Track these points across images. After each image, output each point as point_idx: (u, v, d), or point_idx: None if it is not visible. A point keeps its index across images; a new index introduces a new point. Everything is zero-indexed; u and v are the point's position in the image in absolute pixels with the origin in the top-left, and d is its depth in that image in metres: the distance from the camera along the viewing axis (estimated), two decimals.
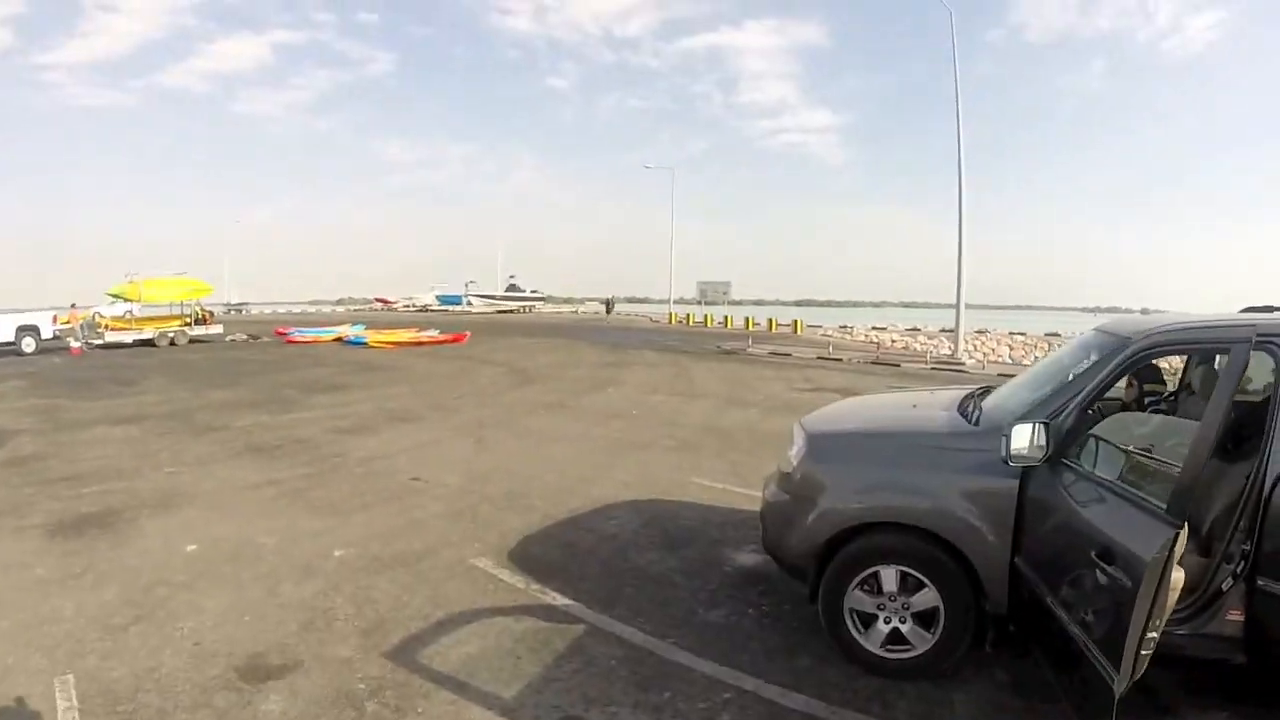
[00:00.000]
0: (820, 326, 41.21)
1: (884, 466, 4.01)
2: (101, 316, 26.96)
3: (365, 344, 26.90)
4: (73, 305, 27.85)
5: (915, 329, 38.66)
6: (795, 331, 38.56)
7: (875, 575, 3.88)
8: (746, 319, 44.39)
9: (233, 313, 66.66)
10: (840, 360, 22.31)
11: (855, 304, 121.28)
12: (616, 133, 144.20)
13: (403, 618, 4.62)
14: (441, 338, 28.53)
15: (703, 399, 14.20)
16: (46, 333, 25.59)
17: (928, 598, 3.79)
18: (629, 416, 12.34)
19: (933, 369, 20.98)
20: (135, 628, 4.47)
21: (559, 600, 4.91)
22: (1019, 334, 35.36)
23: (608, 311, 71.87)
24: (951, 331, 28.35)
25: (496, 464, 8.97)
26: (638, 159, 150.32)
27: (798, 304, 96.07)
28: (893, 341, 32.64)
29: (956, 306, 25.55)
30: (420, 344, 27.49)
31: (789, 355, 23.75)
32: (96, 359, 23.38)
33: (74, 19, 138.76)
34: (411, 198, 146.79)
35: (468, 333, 29.71)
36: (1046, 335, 35.02)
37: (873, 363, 22.11)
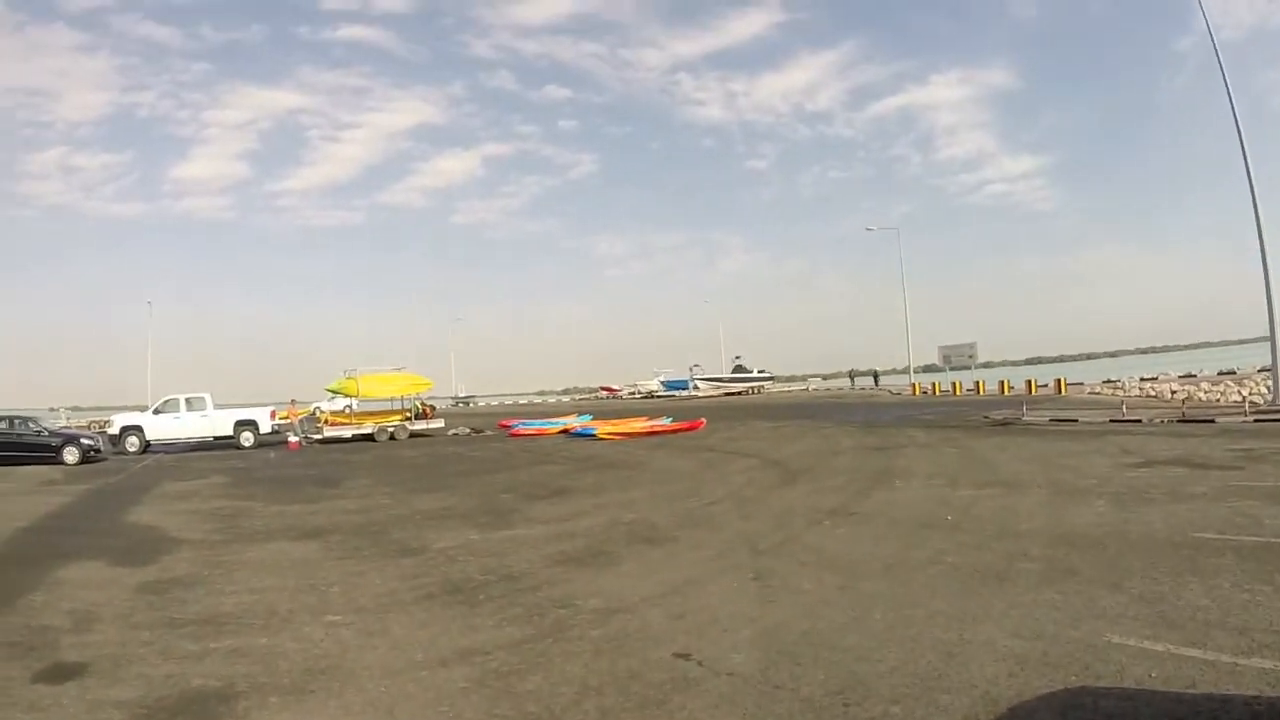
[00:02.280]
0: (1082, 384, 38.13)
1: None
2: (321, 412, 27.46)
3: (594, 435, 25.06)
4: (292, 401, 29.09)
5: (1190, 375, 36.47)
6: (1060, 392, 34.85)
7: None
8: (1002, 383, 40.27)
9: (459, 405, 69.92)
10: (1139, 421, 19.20)
11: (1090, 356, 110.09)
12: (820, 205, 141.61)
13: None
14: (676, 426, 26.19)
15: (1020, 490, 11.04)
16: (265, 427, 26.76)
17: None
18: (944, 525, 9.00)
19: (1257, 420, 18.17)
20: None
21: None
22: None
23: (852, 383, 69.97)
24: (1268, 371, 25.54)
25: (795, 622, 5.91)
26: (843, 230, 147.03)
27: (1028, 362, 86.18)
28: (1172, 393, 29.11)
29: (1272, 340, 21.83)
30: (654, 433, 25.42)
31: (1075, 421, 20.99)
32: (311, 454, 23.46)
33: (301, 150, 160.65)
34: (625, 287, 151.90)
35: (703, 419, 26.97)
36: None
37: (1180, 420, 19.10)
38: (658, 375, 75.69)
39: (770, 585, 6.88)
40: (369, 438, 27.51)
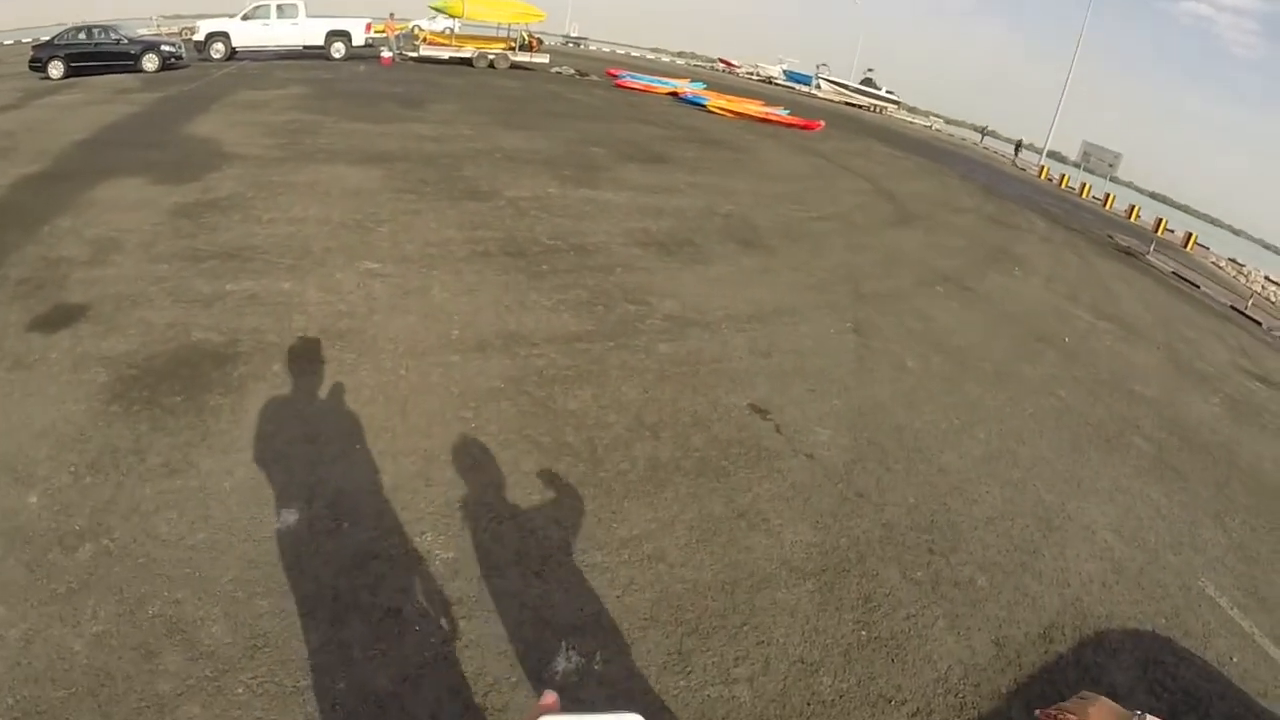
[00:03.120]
0: (1208, 249, 32.88)
1: None
2: (420, 30, 25.28)
3: (704, 106, 22.70)
4: (391, 14, 26.64)
5: None
6: (1186, 247, 30.83)
7: None
8: (1133, 207, 35.94)
9: (570, 45, 65.69)
10: (1260, 324, 15.88)
11: (1215, 222, 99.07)
12: None
13: None
14: (792, 120, 23.59)
15: (1140, 339, 9.11)
16: (359, 40, 24.67)
17: None
18: (1060, 347, 7.49)
19: None
20: None
21: None
22: None
23: (982, 139, 63.00)
24: None
25: (893, 407, 4.98)
26: None
27: (1153, 196, 77.12)
28: None
29: None
30: (768, 120, 22.94)
31: (1197, 287, 18.00)
32: (403, 71, 22.06)
33: None
34: None
35: (822, 121, 24.23)
36: None
37: None
38: (782, 62, 68.86)
39: (871, 346, 5.74)
40: (467, 62, 25.67)
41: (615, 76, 27.48)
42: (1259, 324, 16.46)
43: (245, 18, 24.36)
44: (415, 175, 8.39)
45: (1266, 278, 31.35)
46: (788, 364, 5.00)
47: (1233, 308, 17.40)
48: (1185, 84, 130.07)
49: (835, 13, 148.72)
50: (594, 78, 27.24)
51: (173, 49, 21.14)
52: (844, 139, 23.98)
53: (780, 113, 24.38)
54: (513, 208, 7.51)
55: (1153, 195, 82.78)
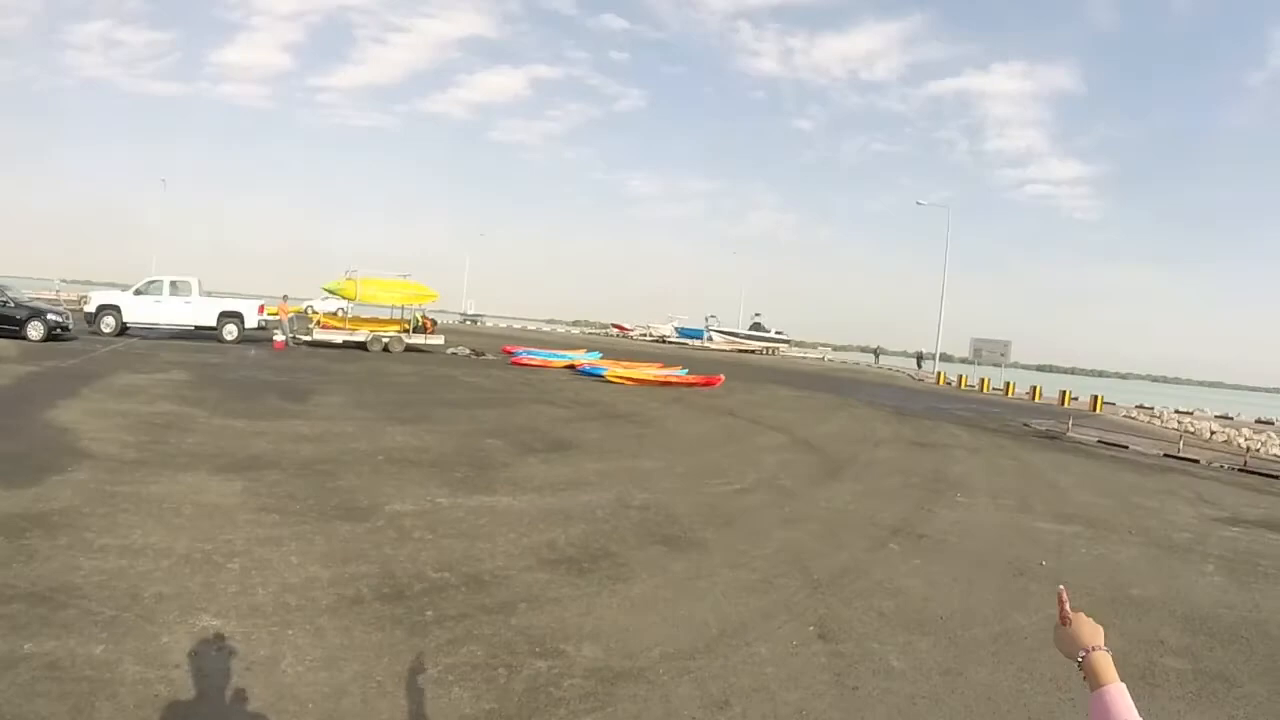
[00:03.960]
0: (1115, 405, 36.45)
1: None
2: (314, 312, 25.34)
3: (602, 376, 22.80)
4: (284, 297, 26.78)
5: (1227, 416, 34.49)
6: (1095, 409, 33.52)
7: None
8: (1035, 388, 39.03)
9: (467, 323, 67.81)
10: (1197, 462, 17.22)
11: (1100, 373, 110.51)
12: (860, 176, 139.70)
13: None
14: (692, 379, 24.08)
15: (1109, 533, 9.14)
16: (252, 321, 24.90)
17: None
18: (1041, 574, 7.07)
19: None
20: None
21: None
22: None
23: (876, 360, 69.61)
24: None
25: None
26: (880, 204, 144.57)
27: (1039, 368, 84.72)
28: (1211, 433, 26.75)
29: None
30: (668, 383, 23.27)
31: (1125, 448, 19.27)
32: (294, 357, 21.67)
33: (347, 48, 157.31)
34: (652, 229, 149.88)
35: (721, 376, 24.78)
36: None
37: (1242, 470, 16.69)
38: (672, 320, 72.89)
39: (844, 653, 4.80)
40: (362, 346, 25.51)
41: (512, 354, 27.76)
42: (1196, 461, 17.55)
43: (138, 292, 24.06)
44: (284, 488, 7.37)
45: (1176, 412, 33.79)
46: (753, 712, 3.96)
47: (1166, 455, 18.48)
48: (1043, 256, 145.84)
49: (717, 266, 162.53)
50: (490, 356, 27.44)
51: (60, 318, 20.55)
52: (746, 389, 24.60)
53: (679, 373, 24.90)
54: (394, 528, 6.48)
55: (1039, 367, 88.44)
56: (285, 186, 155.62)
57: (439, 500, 7.50)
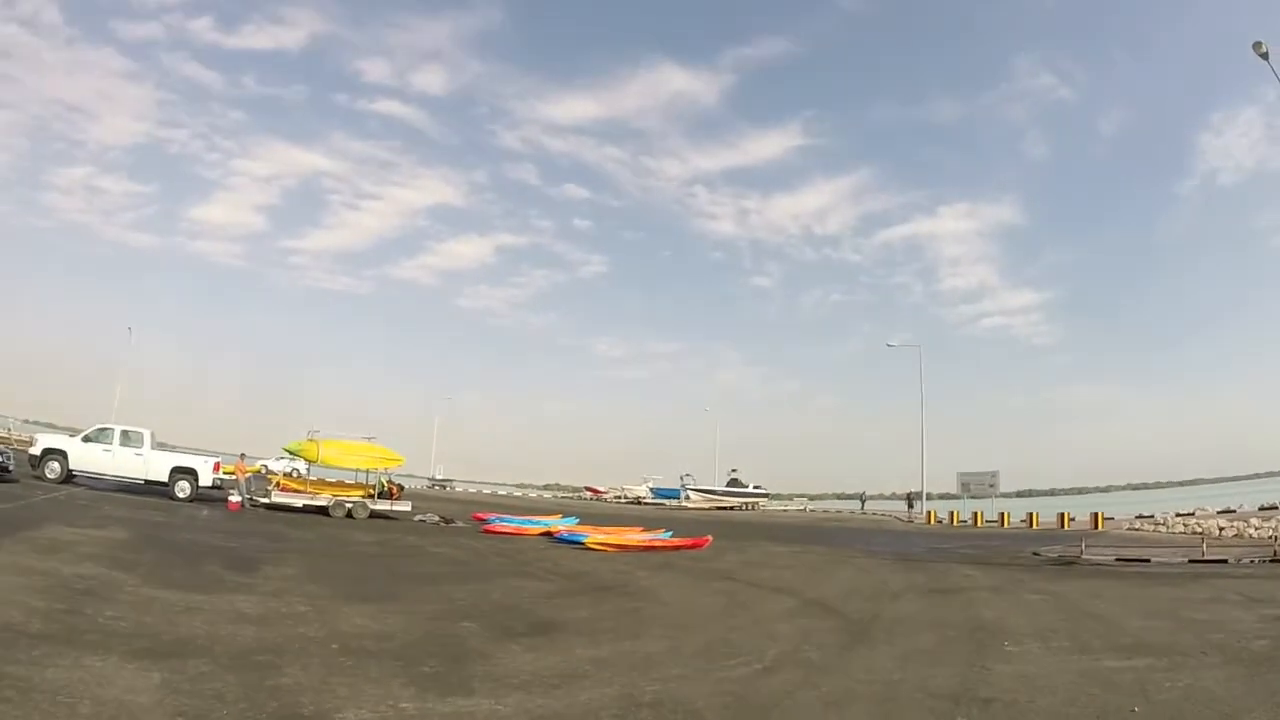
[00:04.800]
0: (1114, 519, 36.44)
1: None
2: (272, 473, 23.95)
3: (582, 544, 21.26)
4: (241, 455, 25.50)
5: (1229, 510, 34.83)
6: (1097, 527, 33.26)
7: None
8: (1031, 515, 38.92)
9: (436, 488, 65.65)
10: (1225, 562, 17.34)
11: (1081, 490, 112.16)
12: (820, 327, 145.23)
13: None
14: (678, 541, 22.67)
15: (1184, 659, 8.52)
16: (206, 479, 23.46)
17: None
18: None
19: None
20: None
21: None
22: None
23: (862, 507, 68.78)
24: None
25: None
26: (842, 352, 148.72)
27: (1019, 494, 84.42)
28: (1220, 529, 27.57)
29: None
30: (652, 548, 21.83)
31: (1147, 561, 18.88)
32: (249, 520, 20.35)
33: (319, 213, 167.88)
34: (619, 390, 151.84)
35: (709, 536, 23.31)
36: None
37: (1273, 560, 17.32)
38: (647, 481, 71.61)
39: None
40: (323, 510, 23.87)
41: (483, 521, 26.34)
42: (1225, 561, 17.42)
43: (87, 439, 22.93)
44: (211, 684, 5.92)
45: (1178, 515, 33.32)
46: None
47: (1192, 561, 18.13)
48: (1008, 383, 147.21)
49: (688, 425, 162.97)
50: (460, 524, 25.92)
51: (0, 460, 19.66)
52: (736, 548, 23.31)
53: (664, 536, 23.54)
54: None
55: (1019, 493, 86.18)
56: (253, 343, 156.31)
57: (403, 705, 5.98)
